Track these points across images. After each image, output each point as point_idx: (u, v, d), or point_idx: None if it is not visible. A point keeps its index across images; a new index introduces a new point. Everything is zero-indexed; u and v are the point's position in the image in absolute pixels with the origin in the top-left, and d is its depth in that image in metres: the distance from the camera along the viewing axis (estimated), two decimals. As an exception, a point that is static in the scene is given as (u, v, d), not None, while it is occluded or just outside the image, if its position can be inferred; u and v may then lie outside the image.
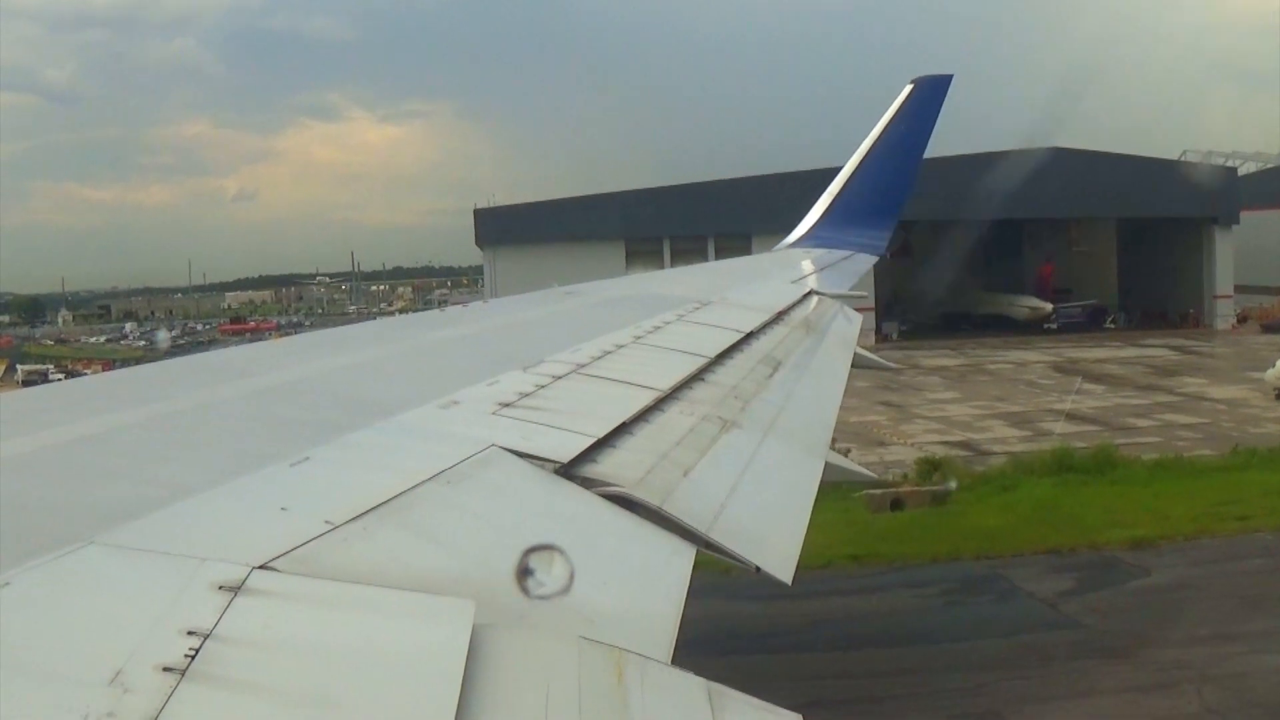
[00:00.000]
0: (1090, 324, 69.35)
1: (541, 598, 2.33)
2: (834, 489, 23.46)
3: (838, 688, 14.56)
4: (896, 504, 23.61)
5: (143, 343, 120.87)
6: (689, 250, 59.16)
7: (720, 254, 51.36)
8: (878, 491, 23.77)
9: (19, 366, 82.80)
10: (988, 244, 77.31)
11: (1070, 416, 36.13)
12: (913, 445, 31.60)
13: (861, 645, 16.31)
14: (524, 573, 2.35)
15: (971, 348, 61.90)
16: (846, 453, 27.76)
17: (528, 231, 65.33)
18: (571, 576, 2.39)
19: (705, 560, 3.92)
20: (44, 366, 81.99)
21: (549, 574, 2.39)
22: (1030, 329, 67.21)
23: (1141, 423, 35.83)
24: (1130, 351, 57.30)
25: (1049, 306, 69.22)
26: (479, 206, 70.76)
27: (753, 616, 16.76)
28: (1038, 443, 32.01)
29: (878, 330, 64.82)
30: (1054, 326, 68.00)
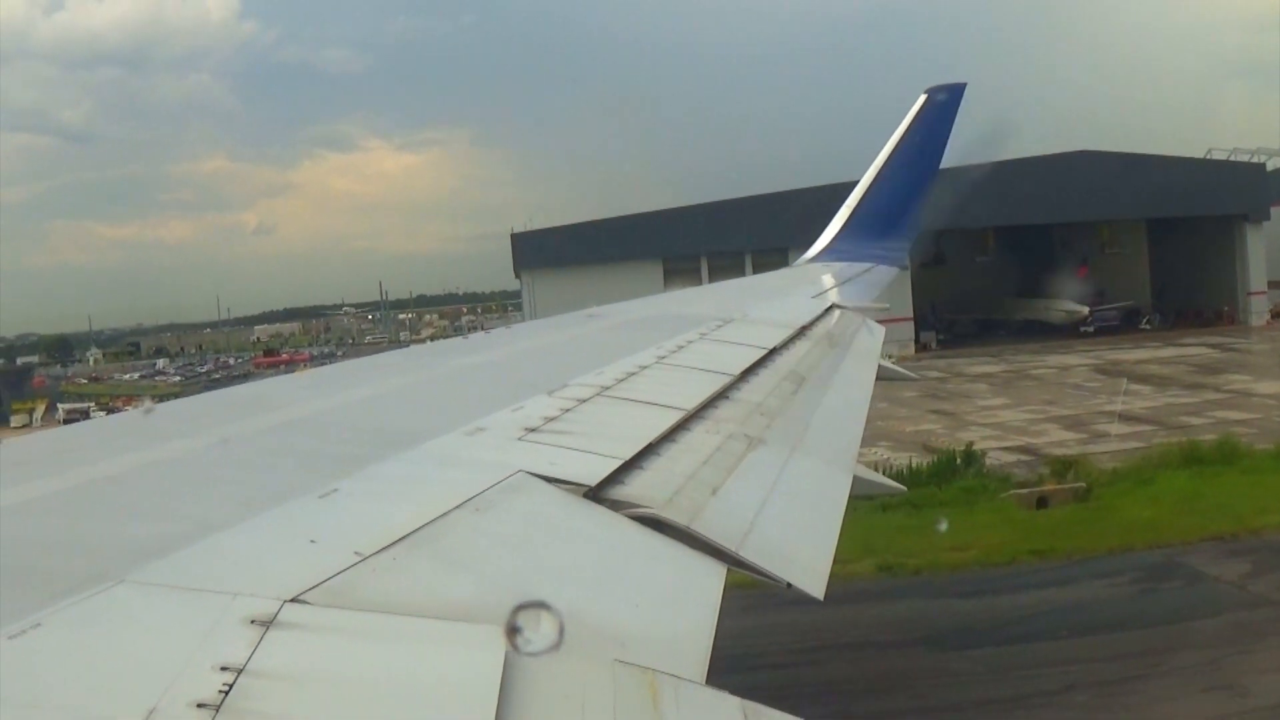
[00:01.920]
0: (1126, 325, 68.92)
1: (532, 654, 2.26)
2: (981, 493, 25.20)
3: (1084, 672, 15.17)
4: (1042, 502, 24.63)
5: (178, 378, 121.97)
6: (726, 266, 58.99)
7: (758, 269, 51.18)
8: (1023, 491, 25.18)
9: (59, 405, 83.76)
10: (1019, 249, 77.23)
11: (1123, 417, 36.09)
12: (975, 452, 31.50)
13: (1083, 632, 16.93)
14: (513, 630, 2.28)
15: (1011, 353, 61.58)
16: (984, 454, 29.12)
17: (565, 254, 65.46)
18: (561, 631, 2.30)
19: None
20: (85, 404, 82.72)
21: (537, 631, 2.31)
22: (1066, 332, 66.91)
23: (1195, 420, 35.55)
24: (1170, 351, 56.91)
25: (1085, 310, 68.74)
26: (515, 231, 71.16)
27: (968, 613, 18.21)
28: (1096, 444, 32.14)
29: (916, 340, 64.74)
30: (1090, 329, 67.57)
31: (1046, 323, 69.18)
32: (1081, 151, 66.97)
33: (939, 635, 17.34)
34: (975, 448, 30.33)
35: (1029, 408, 41.82)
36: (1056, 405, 41.73)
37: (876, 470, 26.18)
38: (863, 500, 22.75)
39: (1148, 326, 69.19)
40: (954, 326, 71.66)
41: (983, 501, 24.76)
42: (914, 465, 28.06)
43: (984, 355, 61.19)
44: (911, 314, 63.23)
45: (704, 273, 61.51)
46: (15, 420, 78.32)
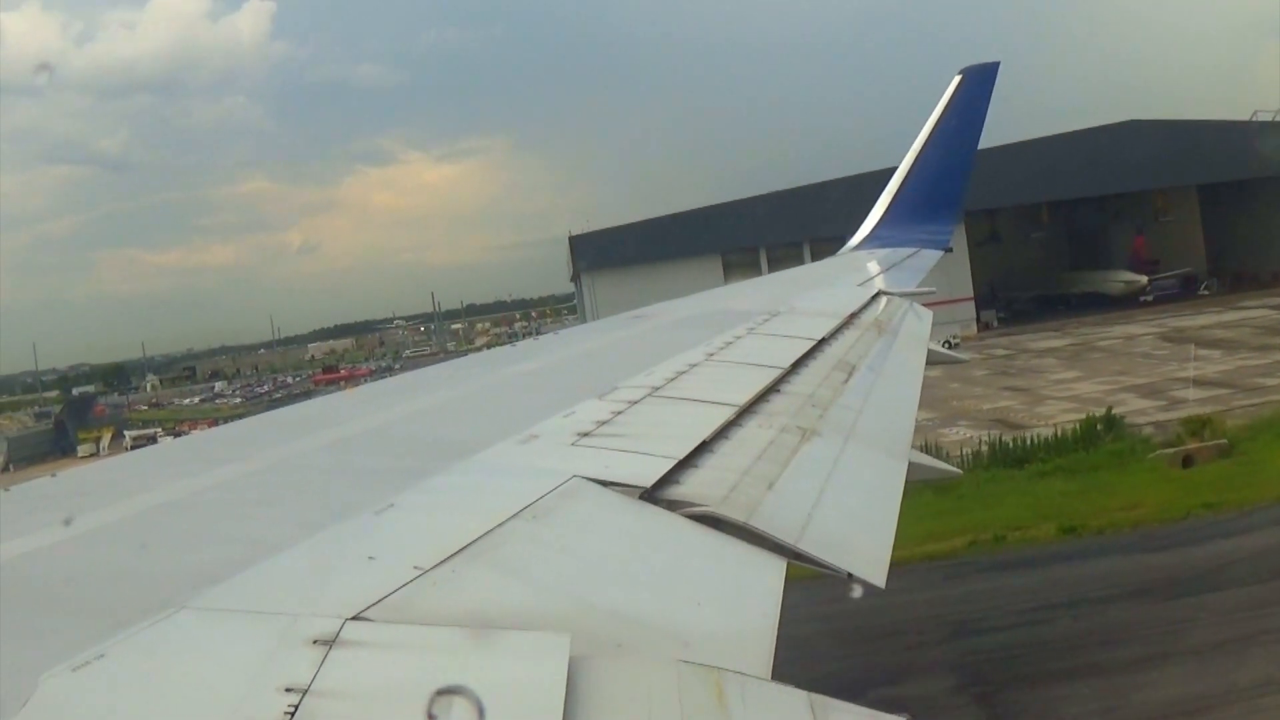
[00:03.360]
0: (1184, 293, 68.18)
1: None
2: (1128, 455, 26.59)
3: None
4: (1188, 460, 25.82)
5: (239, 399, 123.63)
6: (785, 257, 58.44)
7: (816, 258, 51.29)
8: (1169, 451, 26.47)
9: (126, 433, 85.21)
10: (1073, 223, 76.45)
11: (1198, 383, 36.14)
12: (1054, 426, 31.71)
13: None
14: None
15: (1074, 327, 61.45)
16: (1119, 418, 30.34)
17: (624, 254, 65.45)
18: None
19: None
20: (151, 430, 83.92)
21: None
22: (1125, 303, 66.62)
23: (1269, 381, 35.73)
24: (1231, 315, 56.49)
25: (1144, 279, 68.39)
26: (573, 234, 71.46)
27: (1168, 565, 19.34)
28: (1176, 411, 32.43)
29: (978, 319, 64.54)
30: (1149, 299, 67.08)
31: (1105, 294, 68.79)
32: (1130, 121, 66.16)
33: (1149, 587, 18.17)
34: (1054, 422, 31.20)
35: (1102, 379, 41.93)
36: (1129, 375, 41.88)
37: (969, 449, 27.32)
38: (1015, 469, 24.18)
39: (1206, 292, 68.54)
40: (1012, 304, 71.43)
41: (1131, 463, 25.93)
42: (1059, 433, 29.09)
43: (1047, 330, 61.26)
44: (972, 293, 62.98)
45: (763, 264, 61.11)
46: (82, 449, 79.90)
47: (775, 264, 58.85)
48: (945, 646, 16.40)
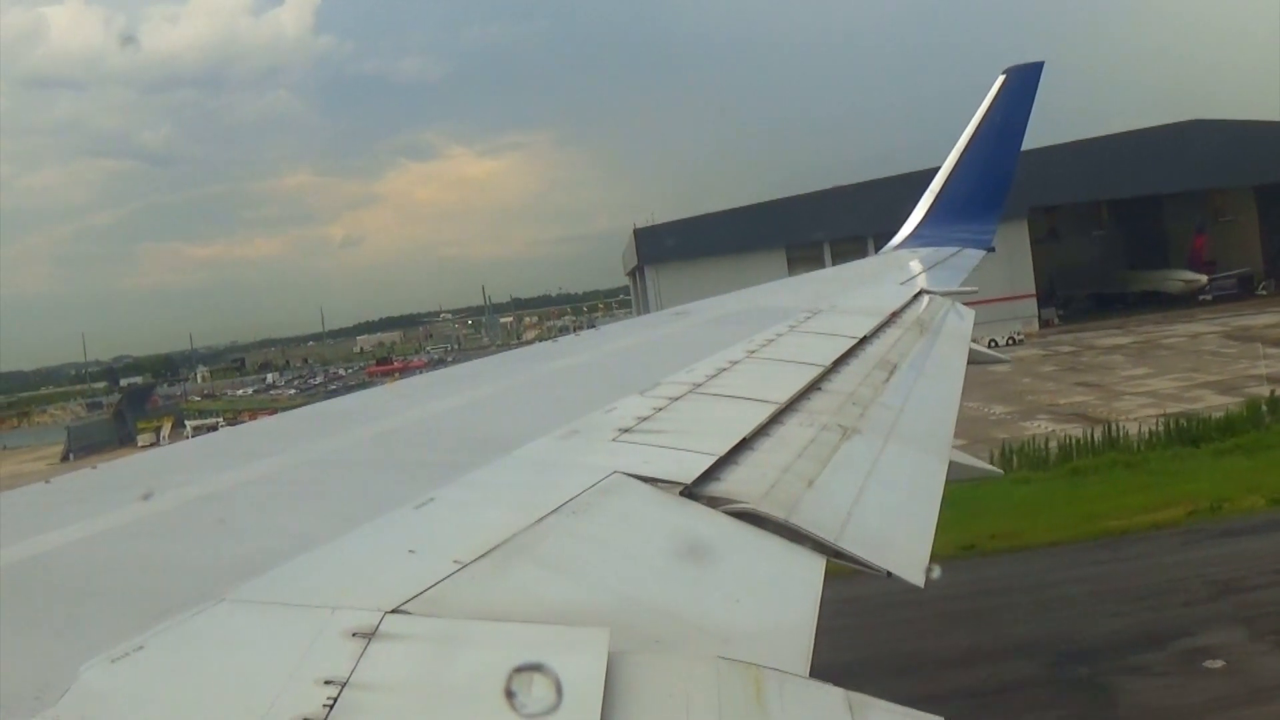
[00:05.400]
0: (1242, 293, 67.45)
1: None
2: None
3: None
4: None
5: (293, 391, 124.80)
6: (849, 252, 58.04)
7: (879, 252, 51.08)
8: None
9: (186, 422, 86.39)
10: (1132, 221, 75.60)
11: (1271, 380, 36.12)
12: (1135, 420, 32.11)
13: None
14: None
15: (1135, 324, 61.54)
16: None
17: (688, 247, 65.73)
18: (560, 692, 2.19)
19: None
20: (213, 420, 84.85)
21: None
22: (1183, 302, 66.20)
23: None
24: None
25: (1203, 278, 67.89)
26: (638, 226, 72.11)
27: None
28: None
29: (1039, 316, 64.34)
30: (1208, 298, 66.53)
31: (1163, 293, 68.39)
32: (1191, 121, 65.34)
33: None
34: (1134, 417, 32.04)
35: (1174, 375, 42.11)
36: (1200, 372, 41.94)
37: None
38: (1192, 447, 25.79)
39: (1264, 292, 68.07)
40: (1070, 301, 71.11)
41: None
42: (1229, 413, 30.67)
43: (1109, 327, 61.27)
44: (1034, 290, 62.68)
45: (827, 258, 60.94)
46: (142, 439, 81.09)
47: (839, 258, 58.64)
48: (1218, 603, 17.15)
